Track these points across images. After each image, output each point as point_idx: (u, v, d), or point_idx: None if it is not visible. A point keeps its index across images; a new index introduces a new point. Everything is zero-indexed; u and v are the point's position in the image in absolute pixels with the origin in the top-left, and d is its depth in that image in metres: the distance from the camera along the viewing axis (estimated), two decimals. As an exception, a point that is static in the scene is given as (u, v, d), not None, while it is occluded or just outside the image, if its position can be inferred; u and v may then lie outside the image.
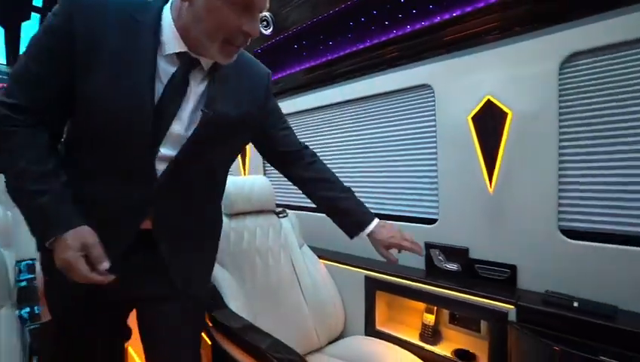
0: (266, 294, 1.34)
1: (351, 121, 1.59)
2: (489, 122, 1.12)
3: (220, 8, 0.63)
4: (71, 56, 0.65)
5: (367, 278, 1.38)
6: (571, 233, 1.02)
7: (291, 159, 0.99)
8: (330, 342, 1.42)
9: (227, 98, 0.77)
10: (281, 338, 1.24)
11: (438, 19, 1.22)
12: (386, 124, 1.46)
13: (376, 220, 0.98)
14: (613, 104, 0.95)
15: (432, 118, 1.29)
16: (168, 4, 0.70)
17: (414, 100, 1.36)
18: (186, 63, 0.71)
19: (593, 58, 0.98)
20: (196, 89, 0.74)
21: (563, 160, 1.02)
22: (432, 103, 1.28)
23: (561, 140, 1.02)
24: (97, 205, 0.72)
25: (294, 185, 1.03)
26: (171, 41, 0.68)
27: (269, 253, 1.43)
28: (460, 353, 1.20)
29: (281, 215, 1.56)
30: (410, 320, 1.39)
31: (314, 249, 1.55)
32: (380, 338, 1.33)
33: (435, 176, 1.29)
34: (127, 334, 0.97)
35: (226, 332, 1.05)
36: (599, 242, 0.98)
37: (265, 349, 0.95)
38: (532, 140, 1.05)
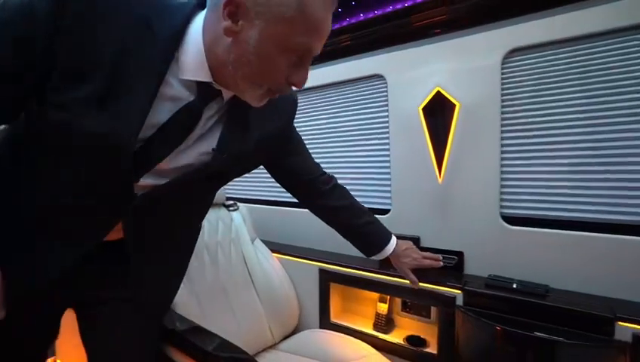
0: (216, 292, 1.26)
1: (304, 111, 1.55)
2: (439, 113, 1.15)
3: (274, 57, 0.53)
4: (44, 54, 0.48)
5: (321, 271, 1.36)
6: (511, 219, 1.08)
7: (310, 187, 0.94)
8: (285, 338, 1.38)
9: (244, 133, 0.66)
10: (233, 338, 1.17)
11: (390, 8, 1.22)
12: (341, 114, 1.44)
13: (394, 240, 1.01)
14: (549, 98, 1.02)
15: (385, 108, 1.29)
16: (201, 18, 0.56)
17: (368, 90, 1.35)
18: (207, 96, 0.59)
19: (532, 54, 1.03)
20: (206, 122, 0.62)
21: (504, 150, 1.08)
22: (385, 94, 1.28)
23: (502, 131, 1.07)
24: (53, 211, 0.61)
25: (313, 212, 1.01)
26: (194, 65, 0.55)
27: (219, 248, 1.35)
28: (411, 339, 1.22)
29: (231, 208, 1.48)
30: (364, 311, 1.40)
31: (267, 243, 1.50)
32: (335, 331, 1.32)
33: (388, 167, 1.30)
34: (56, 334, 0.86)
35: (171, 337, 0.96)
36: (535, 227, 1.05)
37: (211, 351, 0.88)
38: (477, 131, 1.10)
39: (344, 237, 1.03)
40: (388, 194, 1.32)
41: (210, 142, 0.64)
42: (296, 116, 0.81)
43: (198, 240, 1.31)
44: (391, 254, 1.01)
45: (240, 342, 1.20)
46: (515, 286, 1.02)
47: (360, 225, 0.99)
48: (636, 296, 0.92)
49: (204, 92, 0.58)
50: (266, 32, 0.51)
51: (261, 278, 1.39)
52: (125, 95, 0.52)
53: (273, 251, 1.48)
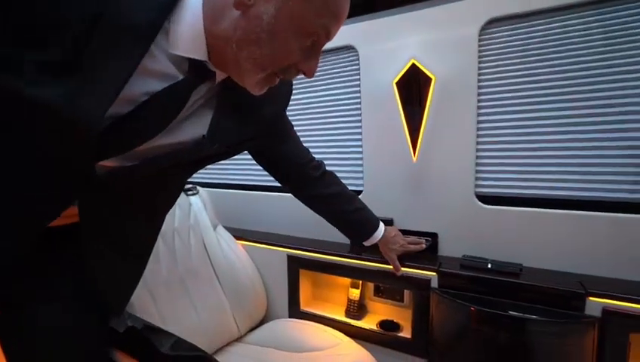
0: (174, 285, 1.13)
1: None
2: (414, 87, 1.08)
3: (288, 38, 0.46)
4: None
5: (290, 257, 1.28)
6: (486, 198, 1.05)
7: (301, 174, 0.88)
8: (252, 330, 1.29)
9: (238, 120, 0.59)
10: (194, 334, 1.07)
11: (363, -28, 1.12)
12: (309, 88, 1.33)
13: (382, 226, 1.01)
14: (528, 72, 0.98)
15: (357, 82, 1.20)
16: None
17: (339, 63, 1.25)
18: (198, 77, 0.50)
19: (510, 25, 0.99)
20: (192, 104, 0.53)
21: (480, 126, 1.03)
22: (357, 67, 1.19)
23: (479, 107, 1.03)
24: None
25: (303, 201, 0.95)
26: (188, 39, 0.46)
27: (176, 236, 1.21)
28: (384, 324, 1.18)
29: (190, 192, 1.34)
30: (335, 297, 1.34)
31: (230, 229, 1.38)
32: (305, 319, 1.25)
33: (360, 146, 1.22)
34: None
35: (119, 339, 0.83)
36: (509, 205, 1.02)
37: (165, 351, 0.77)
38: (454, 106, 1.04)
39: (333, 224, 1.00)
40: (360, 175, 1.24)
41: (197, 128, 0.54)
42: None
43: (150, 227, 1.17)
44: (379, 240, 0.99)
45: (202, 338, 1.11)
46: (489, 266, 1.00)
47: (351, 212, 0.95)
48: (606, 272, 0.93)
49: (196, 72, 0.48)
50: (285, 8, 0.44)
51: (224, 267, 1.28)
52: (97, 63, 0.42)
53: (237, 238, 1.37)
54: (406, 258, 1.07)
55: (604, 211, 0.92)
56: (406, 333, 1.13)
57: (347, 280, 1.27)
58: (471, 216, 1.07)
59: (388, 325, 1.18)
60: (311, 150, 1.35)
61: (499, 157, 1.03)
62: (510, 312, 0.92)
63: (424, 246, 1.07)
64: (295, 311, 1.30)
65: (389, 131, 1.14)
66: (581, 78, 0.93)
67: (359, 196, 1.22)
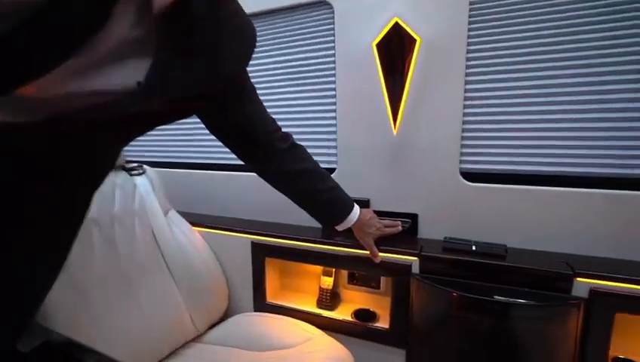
0: (112, 282, 0.94)
1: None
2: (396, 50, 0.95)
3: None
4: None
5: (255, 244, 1.13)
6: (471, 175, 0.97)
7: (266, 145, 0.74)
8: (212, 327, 1.14)
9: (184, 68, 0.42)
10: (139, 338, 0.91)
11: None
12: (277, 50, 1.16)
13: (357, 208, 0.91)
14: (520, 38, 0.88)
15: (331, 44, 1.05)
16: None
17: (310, 21, 1.09)
18: None
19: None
20: (119, 38, 0.35)
21: (468, 96, 0.94)
22: (331, 25, 1.04)
23: (467, 74, 0.92)
24: None
25: (267, 179, 0.81)
26: None
27: (116, 224, 1.01)
28: (360, 314, 1.09)
29: (134, 172, 1.13)
30: (306, 286, 1.22)
31: (185, 214, 1.20)
32: (273, 312, 1.12)
33: (334, 117, 1.08)
34: None
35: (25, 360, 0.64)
36: (493, 183, 0.95)
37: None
38: (440, 73, 0.93)
39: (302, 206, 0.87)
40: (334, 151, 1.11)
41: (129, 73, 0.38)
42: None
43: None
44: (354, 224, 0.88)
45: (150, 343, 0.94)
46: (474, 248, 0.92)
47: (323, 191, 0.83)
48: (593, 251, 0.89)
49: None
50: None
51: (178, 258, 1.10)
52: None
53: (194, 224, 1.20)
54: (384, 242, 0.97)
55: (592, 188, 0.87)
56: (383, 323, 1.04)
57: (319, 268, 1.16)
58: (454, 194, 0.98)
59: (363, 315, 1.09)
60: (280, 121, 1.20)
61: (486, 130, 0.95)
62: (496, 297, 0.85)
63: (400, 228, 0.99)
64: (261, 303, 1.16)
65: (367, 100, 1.01)
66: (578, 50, 0.85)
67: (332, 174, 1.10)
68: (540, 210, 0.92)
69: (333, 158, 1.12)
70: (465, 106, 0.94)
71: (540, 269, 0.85)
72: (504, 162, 0.95)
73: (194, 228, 1.19)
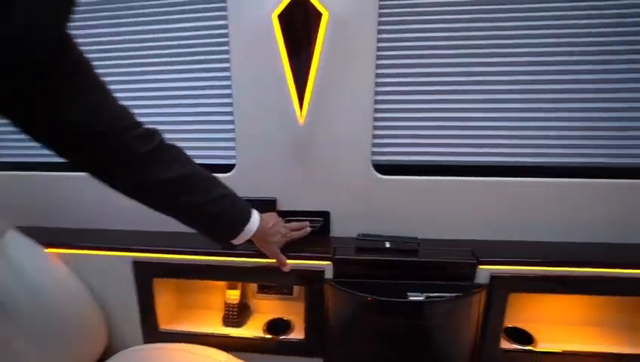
0: None
1: (95, 19, 0.92)
2: (300, 24, 0.81)
3: None
4: None
5: (137, 264, 0.91)
6: (383, 167, 0.92)
7: (114, 149, 0.52)
8: (87, 371, 0.89)
9: None
10: None
11: None
12: (153, 26, 0.91)
13: (256, 216, 0.73)
14: (435, 19, 0.83)
15: (223, 15, 0.86)
16: None
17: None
18: None
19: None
20: None
21: (380, 81, 0.86)
22: (220, -11, 0.84)
23: (379, 57, 0.84)
24: None
25: (128, 193, 0.59)
26: None
27: None
28: (273, 326, 0.98)
29: None
30: (209, 302, 1.05)
31: (34, 232, 0.89)
32: (168, 341, 0.92)
33: (230, 104, 0.90)
34: None
35: None
36: (406, 175, 0.91)
37: None
38: (349, 54, 0.83)
39: (184, 223, 0.67)
40: (232, 144, 0.94)
41: None
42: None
43: None
44: (254, 235, 0.72)
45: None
46: (387, 245, 0.88)
47: (207, 203, 0.64)
48: (495, 235, 0.93)
49: None
50: None
51: (20, 294, 0.81)
52: None
53: (48, 245, 0.90)
54: (293, 247, 0.86)
55: (495, 176, 0.90)
56: (298, 333, 0.95)
57: (222, 282, 1.00)
58: (367, 188, 0.92)
59: (277, 326, 0.98)
60: (156, 113, 0.97)
61: (399, 119, 0.89)
62: (409, 295, 0.83)
63: (309, 230, 0.89)
64: (152, 332, 0.95)
65: (268, 84, 0.85)
66: (493, 38, 0.83)
67: (231, 172, 0.93)
68: (450, 199, 0.92)
69: (231, 152, 0.94)
70: (376, 93, 0.86)
71: (449, 262, 0.85)
72: (417, 153, 0.92)
73: (48, 250, 0.90)
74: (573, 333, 0.97)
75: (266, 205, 0.93)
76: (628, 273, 0.82)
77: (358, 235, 0.92)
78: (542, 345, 0.93)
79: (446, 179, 0.90)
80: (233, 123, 0.91)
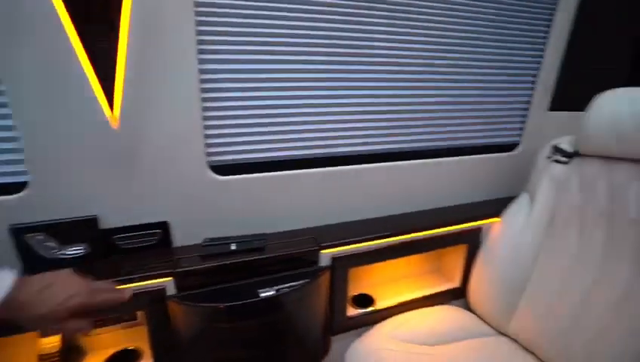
0: None
1: None
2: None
3: None
4: None
5: None
6: (220, 168, 0.88)
7: None
8: None
9: None
10: None
11: None
12: None
13: (8, 274, 0.47)
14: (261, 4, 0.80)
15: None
16: None
17: None
18: None
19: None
20: None
21: (204, 68, 0.78)
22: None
23: (200, 42, 0.76)
24: None
25: None
26: None
27: None
28: (116, 359, 0.85)
29: None
30: (17, 356, 0.83)
31: None
32: None
33: (6, 104, 0.69)
34: None
35: None
36: (245, 173, 0.90)
37: None
38: (164, 39, 0.72)
39: None
40: (16, 156, 0.72)
41: None
42: None
43: None
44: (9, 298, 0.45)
45: None
46: (233, 247, 0.86)
47: None
48: (340, 218, 1.04)
49: None
50: None
51: None
52: None
53: None
54: (127, 268, 0.75)
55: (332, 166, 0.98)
56: (147, 360, 0.85)
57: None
58: (206, 191, 0.86)
59: (122, 359, 0.85)
60: None
61: (228, 117, 0.85)
62: (260, 293, 0.84)
63: (127, 297, 0.58)
64: None
65: (54, 76, 0.68)
66: (328, 29, 0.86)
67: (22, 192, 0.73)
68: (291, 191, 0.95)
69: (18, 168, 0.73)
70: (203, 90, 0.79)
71: (294, 252, 0.89)
72: (253, 150, 0.90)
73: None
74: (401, 287, 1.18)
75: (81, 225, 0.77)
76: (433, 233, 1.05)
77: (204, 240, 0.87)
78: (380, 303, 1.11)
79: (285, 174, 0.93)
80: (11, 129, 0.70)
